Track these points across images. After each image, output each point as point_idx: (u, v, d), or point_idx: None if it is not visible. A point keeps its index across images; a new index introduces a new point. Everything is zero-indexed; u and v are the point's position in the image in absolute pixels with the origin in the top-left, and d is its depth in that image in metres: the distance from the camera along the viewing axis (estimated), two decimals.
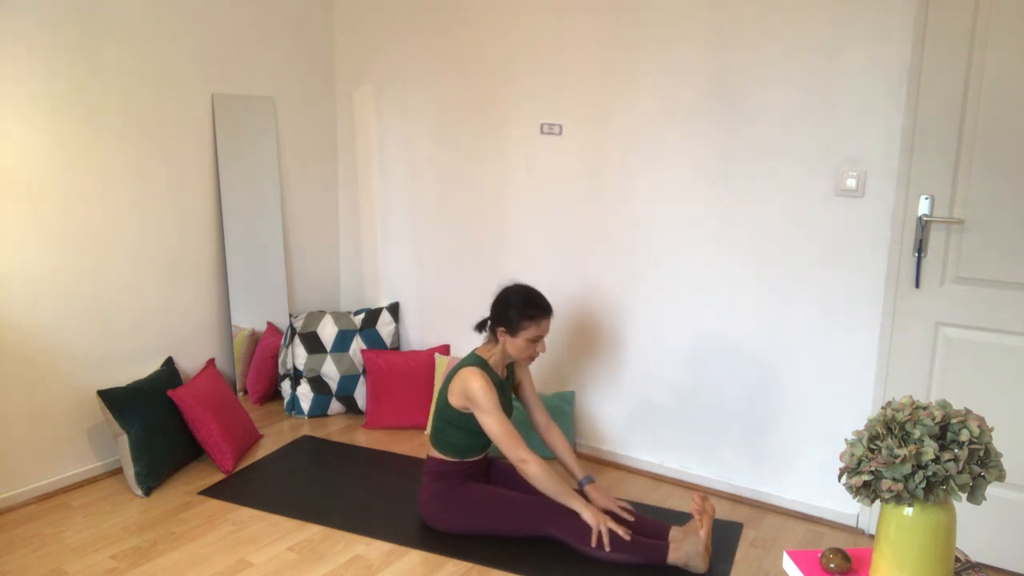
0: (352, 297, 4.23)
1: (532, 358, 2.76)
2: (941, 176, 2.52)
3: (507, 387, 2.81)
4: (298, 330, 3.74)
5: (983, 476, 1.53)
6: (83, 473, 3.08)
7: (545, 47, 3.31)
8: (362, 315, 3.85)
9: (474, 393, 2.60)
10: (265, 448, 3.39)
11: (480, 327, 2.80)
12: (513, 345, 2.69)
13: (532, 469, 2.58)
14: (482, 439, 2.70)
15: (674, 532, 2.52)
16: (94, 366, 3.10)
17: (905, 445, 1.54)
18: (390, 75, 3.84)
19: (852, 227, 2.73)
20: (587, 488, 2.73)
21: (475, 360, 2.71)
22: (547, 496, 2.59)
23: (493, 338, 2.75)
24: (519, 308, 2.66)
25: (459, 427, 2.68)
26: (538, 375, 3.54)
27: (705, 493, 2.72)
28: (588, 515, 2.53)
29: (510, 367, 2.85)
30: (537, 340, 2.69)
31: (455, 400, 2.66)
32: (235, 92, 3.60)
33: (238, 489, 3.01)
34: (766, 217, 2.90)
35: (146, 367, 3.30)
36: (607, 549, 2.48)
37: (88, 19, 2.97)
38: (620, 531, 2.49)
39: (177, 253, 3.40)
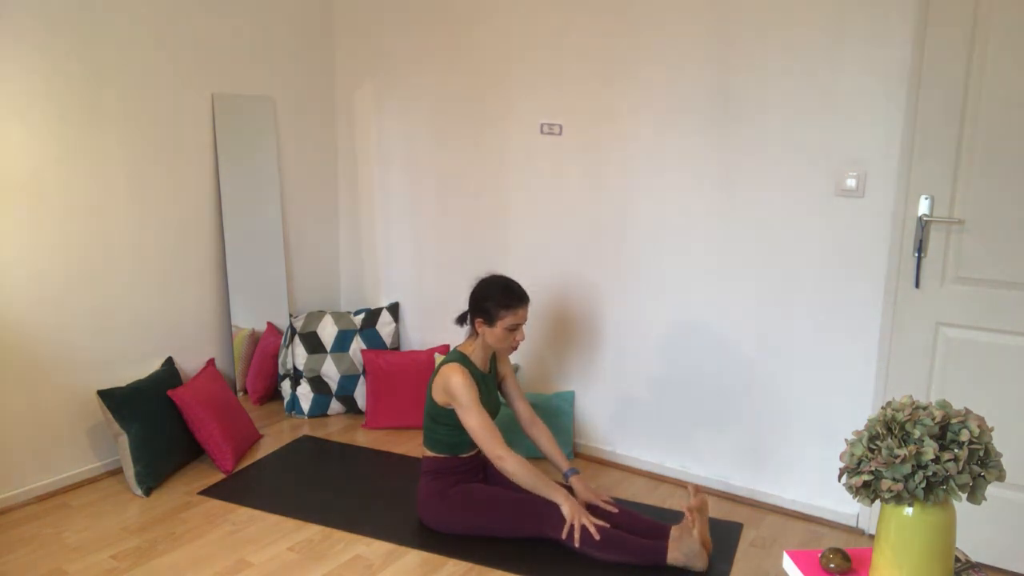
0: (352, 297, 4.23)
1: (512, 348, 2.77)
2: (941, 176, 2.52)
3: (491, 382, 2.82)
4: (298, 330, 3.74)
5: (983, 476, 1.53)
6: (83, 473, 3.08)
7: (545, 47, 3.31)
8: (362, 315, 3.85)
9: (453, 389, 2.62)
10: (265, 448, 3.39)
11: (460, 320, 2.82)
12: (492, 335, 2.70)
13: (509, 465, 2.59)
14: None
15: (674, 532, 2.52)
16: (94, 366, 3.10)
17: (905, 445, 1.54)
18: (390, 75, 3.84)
19: (852, 227, 2.73)
20: (572, 480, 2.75)
21: (456, 356, 2.73)
22: (535, 494, 2.60)
23: (473, 331, 2.76)
24: (495, 298, 2.68)
25: (446, 424, 2.69)
26: (537, 375, 3.54)
27: (698, 486, 2.72)
28: (566, 508, 2.55)
29: (493, 362, 2.86)
30: (515, 329, 2.71)
31: (438, 397, 2.68)
32: (235, 92, 3.60)
33: (238, 489, 3.01)
34: (766, 217, 2.90)
35: (146, 367, 3.30)
36: (577, 545, 2.50)
37: (88, 19, 2.97)
38: (592, 529, 2.49)
39: (177, 253, 3.40)
